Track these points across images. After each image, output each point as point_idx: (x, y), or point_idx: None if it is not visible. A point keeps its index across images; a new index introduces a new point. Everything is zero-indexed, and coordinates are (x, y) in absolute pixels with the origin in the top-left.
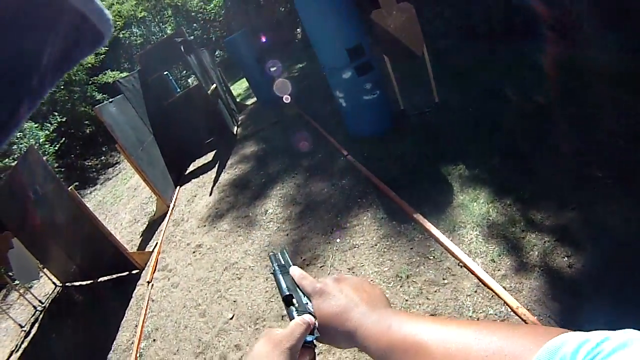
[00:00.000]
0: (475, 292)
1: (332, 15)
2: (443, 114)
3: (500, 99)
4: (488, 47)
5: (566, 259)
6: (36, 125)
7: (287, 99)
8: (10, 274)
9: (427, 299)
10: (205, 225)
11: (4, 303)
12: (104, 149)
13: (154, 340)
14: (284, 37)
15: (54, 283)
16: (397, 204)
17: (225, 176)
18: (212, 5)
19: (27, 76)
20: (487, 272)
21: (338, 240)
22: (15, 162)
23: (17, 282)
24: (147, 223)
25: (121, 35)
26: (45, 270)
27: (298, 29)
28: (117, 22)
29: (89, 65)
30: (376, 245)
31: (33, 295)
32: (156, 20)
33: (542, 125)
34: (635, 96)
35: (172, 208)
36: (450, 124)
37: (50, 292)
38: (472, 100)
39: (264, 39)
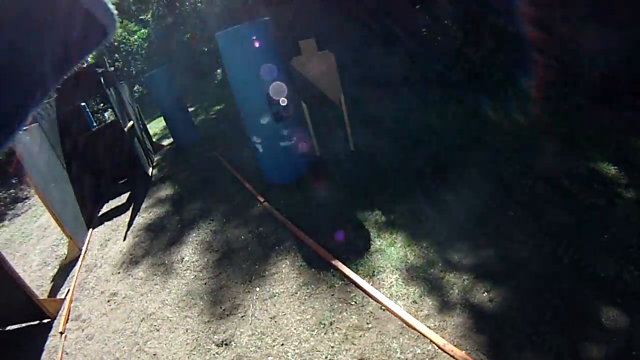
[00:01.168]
0: (401, 333)
1: (254, 60)
2: (358, 160)
3: (414, 145)
4: (400, 96)
5: (486, 294)
6: None
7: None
8: None
9: (353, 344)
10: (119, 272)
11: None
12: (14, 181)
13: None
14: (205, 77)
15: None
16: (315, 251)
17: (139, 220)
18: (135, 37)
19: (30, 74)
20: (410, 314)
21: (258, 289)
22: None
23: None
24: (58, 267)
25: None
26: None
27: (219, 70)
28: None
29: None
30: (296, 293)
31: None
32: None
33: (452, 172)
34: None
35: (85, 252)
36: (364, 170)
37: None
38: (385, 147)
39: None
